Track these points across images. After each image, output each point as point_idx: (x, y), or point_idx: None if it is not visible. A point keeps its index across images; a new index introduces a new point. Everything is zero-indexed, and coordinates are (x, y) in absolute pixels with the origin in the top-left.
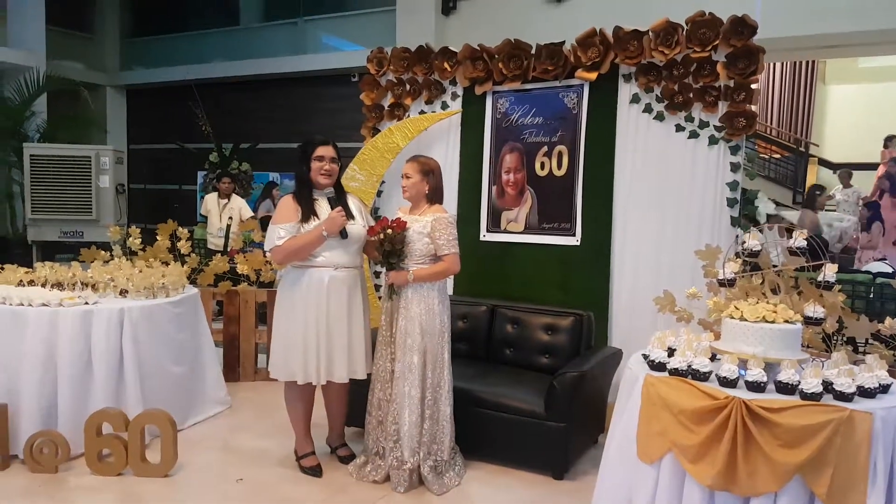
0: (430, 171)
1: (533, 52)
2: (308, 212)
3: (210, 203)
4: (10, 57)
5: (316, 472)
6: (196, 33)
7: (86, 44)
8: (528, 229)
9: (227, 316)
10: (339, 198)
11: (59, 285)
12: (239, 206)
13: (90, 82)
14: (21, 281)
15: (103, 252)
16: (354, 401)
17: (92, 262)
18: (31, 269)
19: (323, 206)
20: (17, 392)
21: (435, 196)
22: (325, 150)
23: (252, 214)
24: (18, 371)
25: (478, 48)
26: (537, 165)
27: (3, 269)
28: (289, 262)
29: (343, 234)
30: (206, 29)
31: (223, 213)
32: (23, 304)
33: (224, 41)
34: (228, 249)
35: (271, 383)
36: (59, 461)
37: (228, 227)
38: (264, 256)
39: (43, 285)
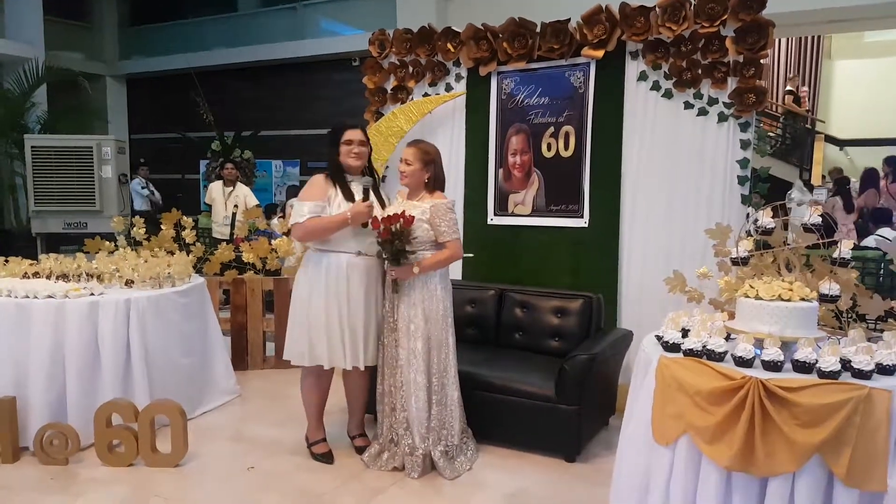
0: (431, 161)
1: (538, 30)
2: (346, 194)
3: (215, 191)
4: (9, 48)
5: (328, 458)
6: (194, 21)
7: (84, 33)
8: (535, 212)
9: (234, 305)
10: (374, 187)
11: (64, 277)
12: (244, 194)
13: (90, 72)
14: (26, 273)
15: (108, 243)
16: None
17: (97, 252)
18: (35, 262)
19: (356, 194)
20: (26, 385)
21: (435, 185)
22: (354, 134)
23: (257, 202)
24: (26, 364)
25: (481, 27)
26: (544, 147)
27: (7, 261)
28: (308, 241)
29: (365, 225)
30: (204, 16)
31: (228, 201)
32: (28, 297)
33: (222, 28)
34: (234, 238)
35: (280, 371)
36: (69, 453)
37: (234, 215)
38: (269, 244)
39: (48, 277)
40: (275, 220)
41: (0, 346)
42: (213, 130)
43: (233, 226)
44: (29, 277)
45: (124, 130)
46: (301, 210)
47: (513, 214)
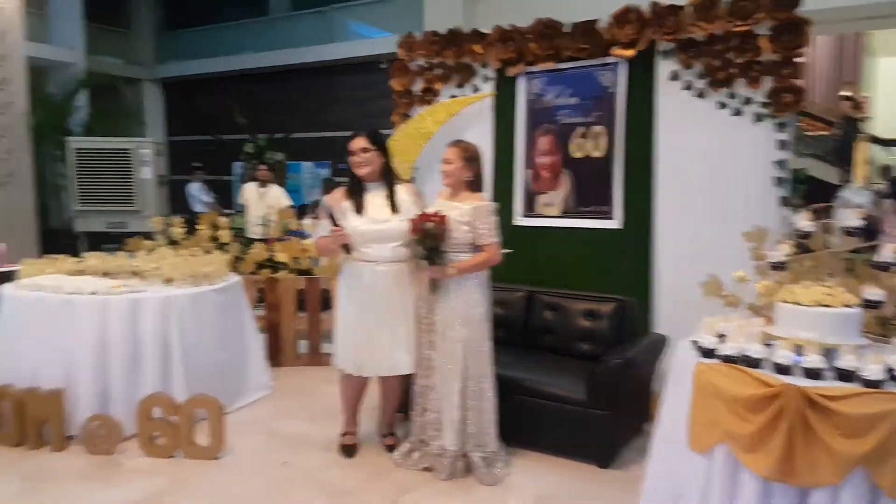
0: (472, 158)
1: (566, 30)
2: (359, 205)
3: (249, 192)
4: (52, 54)
5: (348, 451)
6: (226, 25)
7: (123, 39)
8: (565, 213)
9: (268, 303)
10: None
11: (107, 274)
12: (277, 195)
13: (128, 76)
14: (71, 270)
15: (147, 241)
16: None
17: (137, 251)
18: (80, 259)
19: (369, 202)
20: (74, 377)
21: (475, 184)
22: (353, 144)
23: (290, 203)
24: (73, 357)
25: (509, 28)
26: (573, 147)
27: (56, 259)
28: (325, 256)
29: (346, 248)
30: (236, 20)
31: (262, 201)
32: (74, 293)
33: (254, 32)
34: (267, 238)
35: (313, 368)
36: (113, 443)
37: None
38: (301, 244)
39: (93, 275)
40: (307, 221)
41: (49, 340)
42: (246, 133)
43: (266, 226)
44: (74, 275)
45: (160, 133)
46: (318, 230)
47: (541, 216)
